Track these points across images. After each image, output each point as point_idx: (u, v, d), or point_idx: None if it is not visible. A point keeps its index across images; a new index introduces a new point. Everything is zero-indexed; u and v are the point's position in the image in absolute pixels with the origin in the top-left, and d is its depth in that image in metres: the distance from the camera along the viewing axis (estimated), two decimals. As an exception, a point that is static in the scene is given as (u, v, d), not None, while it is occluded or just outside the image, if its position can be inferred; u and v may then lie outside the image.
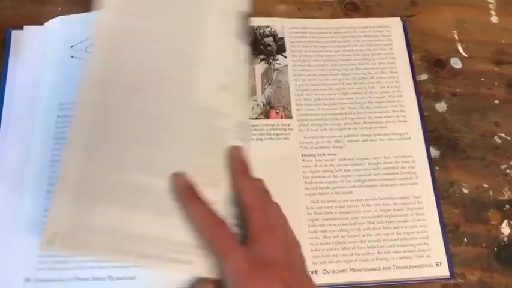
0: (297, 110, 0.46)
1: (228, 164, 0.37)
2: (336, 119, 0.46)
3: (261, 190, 0.36)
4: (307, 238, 0.42)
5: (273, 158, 0.43)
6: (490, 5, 0.53)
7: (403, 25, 0.50)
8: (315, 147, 0.45)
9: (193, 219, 0.34)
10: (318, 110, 0.46)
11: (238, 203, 0.36)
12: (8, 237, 0.40)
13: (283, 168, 0.44)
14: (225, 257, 0.33)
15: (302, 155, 0.44)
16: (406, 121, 0.46)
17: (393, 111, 0.46)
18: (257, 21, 0.49)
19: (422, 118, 0.47)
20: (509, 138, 0.47)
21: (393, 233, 0.42)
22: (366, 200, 0.43)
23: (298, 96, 0.46)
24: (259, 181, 0.37)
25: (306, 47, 0.48)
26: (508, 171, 0.46)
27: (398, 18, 0.50)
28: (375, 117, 0.46)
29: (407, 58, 0.49)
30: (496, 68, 0.50)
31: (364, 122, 0.46)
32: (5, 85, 0.45)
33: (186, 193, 0.35)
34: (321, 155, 0.44)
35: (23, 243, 0.39)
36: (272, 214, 0.35)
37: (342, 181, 0.44)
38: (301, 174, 0.43)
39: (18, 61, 0.46)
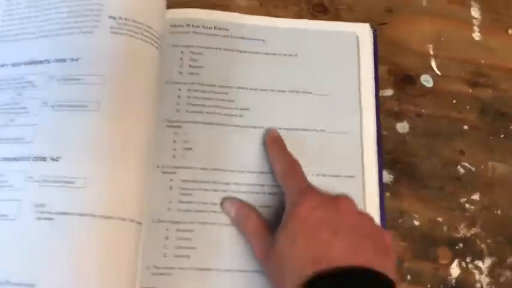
0: None
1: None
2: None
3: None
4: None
5: None
6: (474, 20, 0.48)
7: (373, 33, 0.46)
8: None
9: (272, 154, 0.40)
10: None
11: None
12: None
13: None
14: (291, 179, 0.37)
15: None
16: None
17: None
18: (213, 15, 0.45)
19: (379, 137, 0.42)
20: (473, 169, 0.43)
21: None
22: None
23: None
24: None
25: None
26: (467, 205, 0.42)
27: (367, 25, 0.45)
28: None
29: (372, 70, 0.44)
30: (470, 90, 0.45)
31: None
32: None
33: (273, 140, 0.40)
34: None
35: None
36: None
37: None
38: None
39: None
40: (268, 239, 0.35)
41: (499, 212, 0.42)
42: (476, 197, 0.42)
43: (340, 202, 0.34)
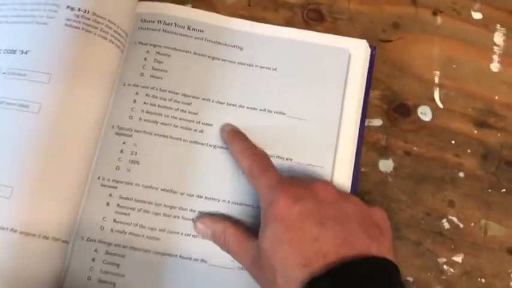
0: None
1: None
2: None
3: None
4: None
5: None
6: (495, 48, 0.41)
7: (371, 51, 0.39)
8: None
9: (235, 150, 0.35)
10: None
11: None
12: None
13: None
14: (260, 175, 0.33)
15: None
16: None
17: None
18: (189, 13, 0.40)
19: (355, 175, 0.37)
20: (461, 226, 0.37)
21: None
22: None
23: None
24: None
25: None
26: (445, 267, 0.36)
27: (364, 41, 0.39)
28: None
29: (361, 95, 0.38)
30: (475, 131, 0.39)
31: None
32: None
33: (232, 134, 0.36)
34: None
35: None
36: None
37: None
38: None
39: None
40: (253, 246, 0.32)
41: (483, 281, 0.36)
42: (458, 258, 0.36)
43: (317, 189, 0.31)
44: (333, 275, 0.27)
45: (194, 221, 0.35)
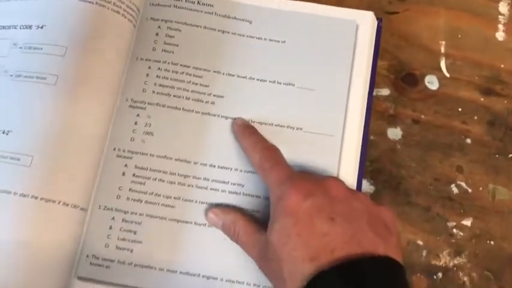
0: None
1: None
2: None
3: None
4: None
5: None
6: (500, 17, 0.41)
7: (377, 23, 0.40)
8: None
9: (246, 145, 0.36)
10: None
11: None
12: None
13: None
14: (270, 169, 0.33)
15: None
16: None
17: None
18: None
19: (365, 142, 0.37)
20: (469, 190, 0.37)
21: None
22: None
23: None
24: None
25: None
26: (455, 231, 0.37)
27: (371, 13, 0.40)
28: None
29: (368, 65, 0.39)
30: (481, 99, 0.39)
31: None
32: None
33: (243, 128, 0.37)
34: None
35: None
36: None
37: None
38: None
39: None
40: (261, 239, 0.32)
41: (492, 243, 0.36)
42: (467, 222, 0.37)
43: (328, 185, 0.31)
44: (340, 270, 0.28)
45: (206, 211, 0.35)
